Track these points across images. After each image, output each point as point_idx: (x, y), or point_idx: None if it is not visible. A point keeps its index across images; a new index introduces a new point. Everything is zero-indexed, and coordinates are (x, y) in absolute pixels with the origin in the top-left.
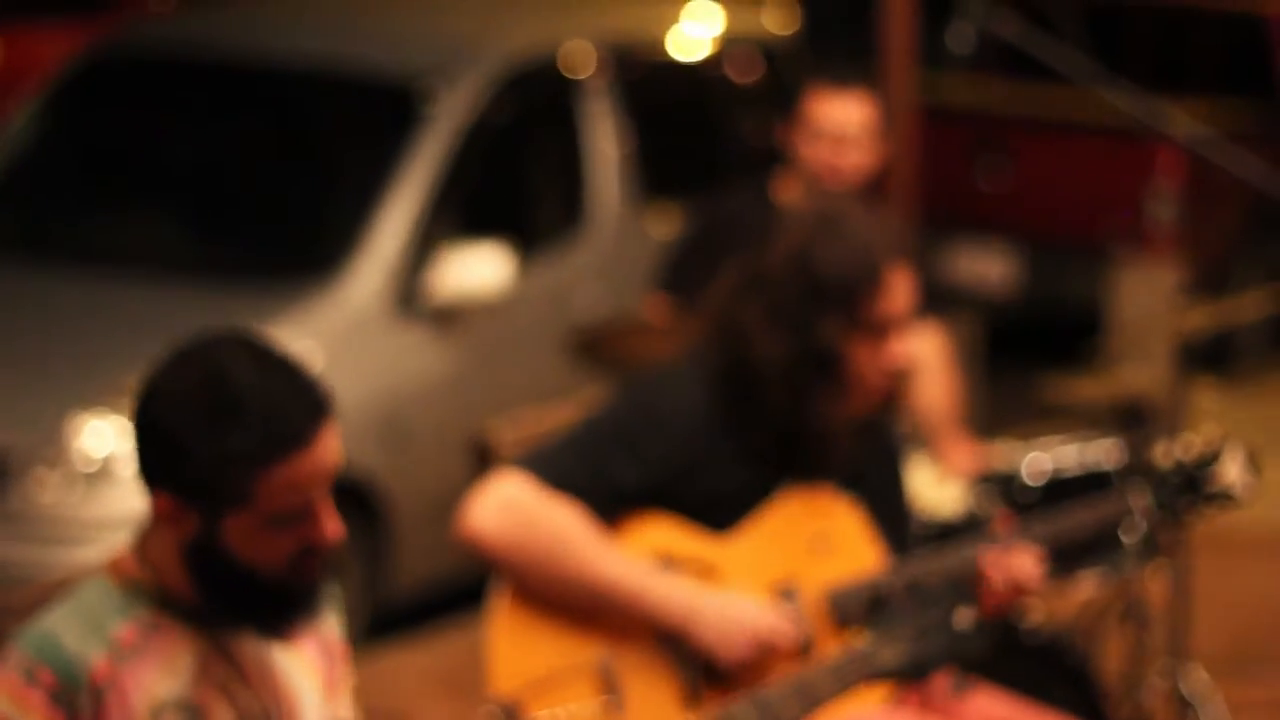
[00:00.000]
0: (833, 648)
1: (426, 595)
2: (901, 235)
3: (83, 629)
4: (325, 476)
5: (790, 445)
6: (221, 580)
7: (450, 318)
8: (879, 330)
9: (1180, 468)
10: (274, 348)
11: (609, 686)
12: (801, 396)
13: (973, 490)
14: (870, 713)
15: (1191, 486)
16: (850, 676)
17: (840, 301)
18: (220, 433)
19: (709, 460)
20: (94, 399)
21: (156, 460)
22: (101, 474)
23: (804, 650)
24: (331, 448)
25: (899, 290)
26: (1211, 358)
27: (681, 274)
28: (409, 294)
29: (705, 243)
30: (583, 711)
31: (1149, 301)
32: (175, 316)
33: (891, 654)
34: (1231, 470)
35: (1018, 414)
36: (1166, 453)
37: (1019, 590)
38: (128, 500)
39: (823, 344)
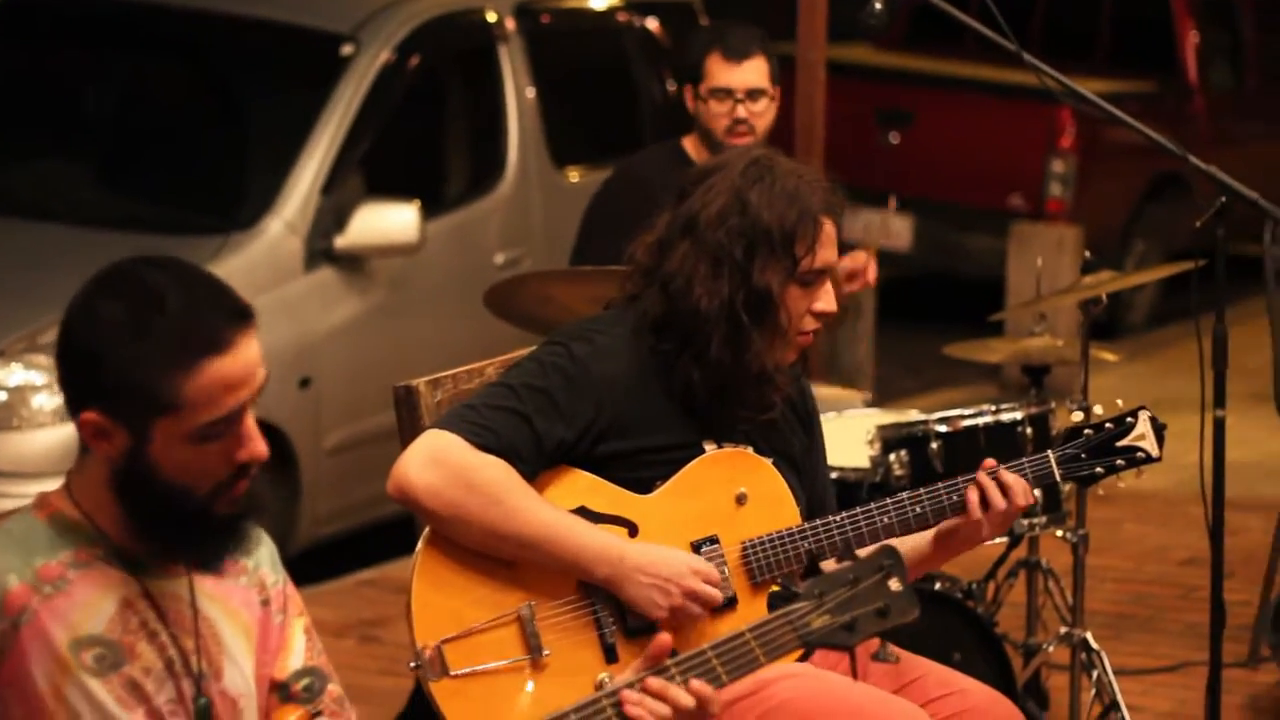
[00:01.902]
0: (754, 605)
1: (333, 539)
2: (832, 186)
3: (4, 560)
4: (249, 386)
5: (722, 395)
6: (150, 504)
7: (361, 266)
8: (813, 276)
9: (1096, 431)
10: (194, 264)
11: (530, 641)
12: (740, 341)
13: (879, 446)
14: (798, 670)
15: (1107, 449)
16: (778, 643)
17: (780, 247)
18: (141, 336)
19: (633, 416)
20: (7, 347)
21: (81, 378)
22: (11, 422)
23: (727, 605)
24: (253, 356)
25: (832, 238)
26: (1104, 325)
27: (598, 243)
28: (320, 243)
29: (619, 209)
30: (503, 666)
31: (1048, 267)
32: (86, 263)
33: (822, 620)
34: (1146, 434)
35: (918, 376)
36: (1080, 416)
37: (1015, 511)
38: (38, 448)
39: (762, 288)
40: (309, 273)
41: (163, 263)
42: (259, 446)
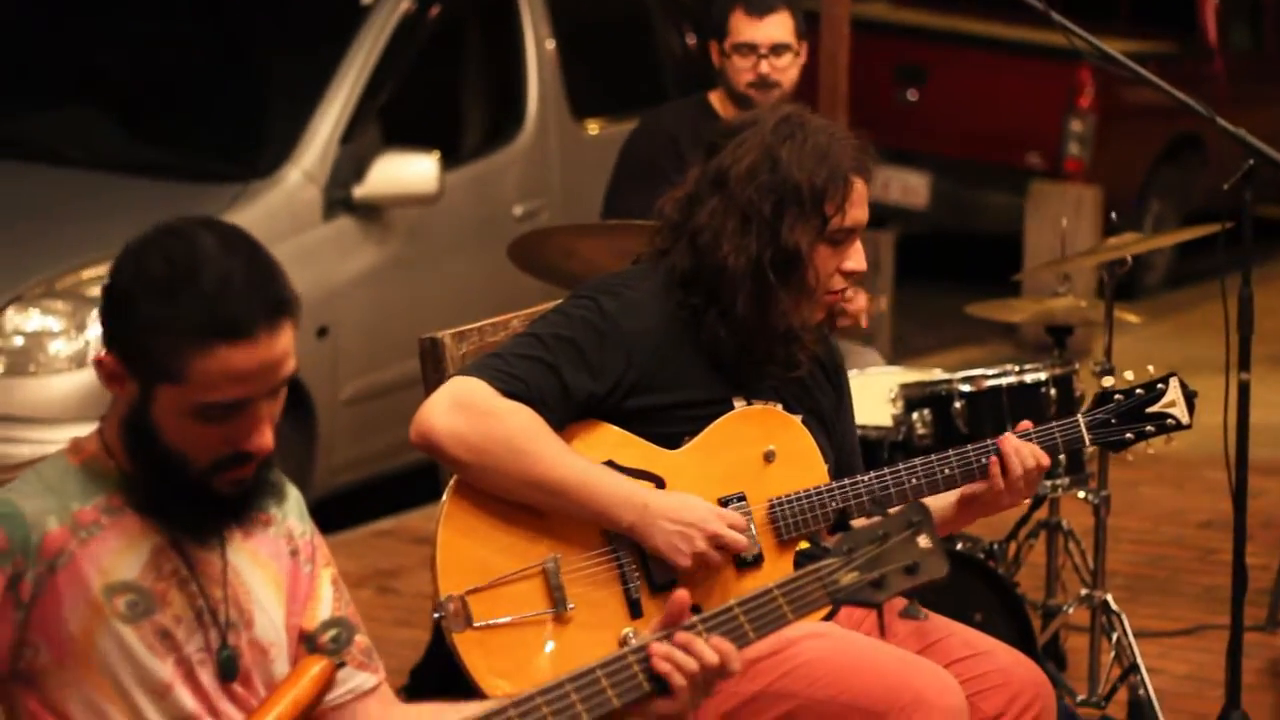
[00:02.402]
0: (780, 562)
1: (349, 488)
2: (863, 145)
3: (43, 499)
4: (266, 380)
5: (749, 352)
6: (149, 460)
7: (379, 216)
8: (843, 235)
9: (1126, 396)
10: (256, 243)
11: (555, 594)
12: (768, 298)
13: (902, 405)
14: (822, 629)
15: (1137, 415)
16: (806, 599)
17: (810, 204)
18: (168, 299)
19: (662, 371)
20: (25, 293)
21: (110, 317)
22: (28, 367)
23: (753, 563)
24: (280, 352)
25: (863, 197)
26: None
27: (625, 197)
28: (338, 192)
29: (646, 163)
30: (527, 619)
31: (1067, 228)
32: (106, 213)
33: (850, 577)
34: (1176, 401)
35: (935, 333)
36: (1111, 380)
37: (1036, 477)
38: (54, 394)
39: (790, 246)
40: (327, 222)
41: (226, 233)
42: (262, 440)
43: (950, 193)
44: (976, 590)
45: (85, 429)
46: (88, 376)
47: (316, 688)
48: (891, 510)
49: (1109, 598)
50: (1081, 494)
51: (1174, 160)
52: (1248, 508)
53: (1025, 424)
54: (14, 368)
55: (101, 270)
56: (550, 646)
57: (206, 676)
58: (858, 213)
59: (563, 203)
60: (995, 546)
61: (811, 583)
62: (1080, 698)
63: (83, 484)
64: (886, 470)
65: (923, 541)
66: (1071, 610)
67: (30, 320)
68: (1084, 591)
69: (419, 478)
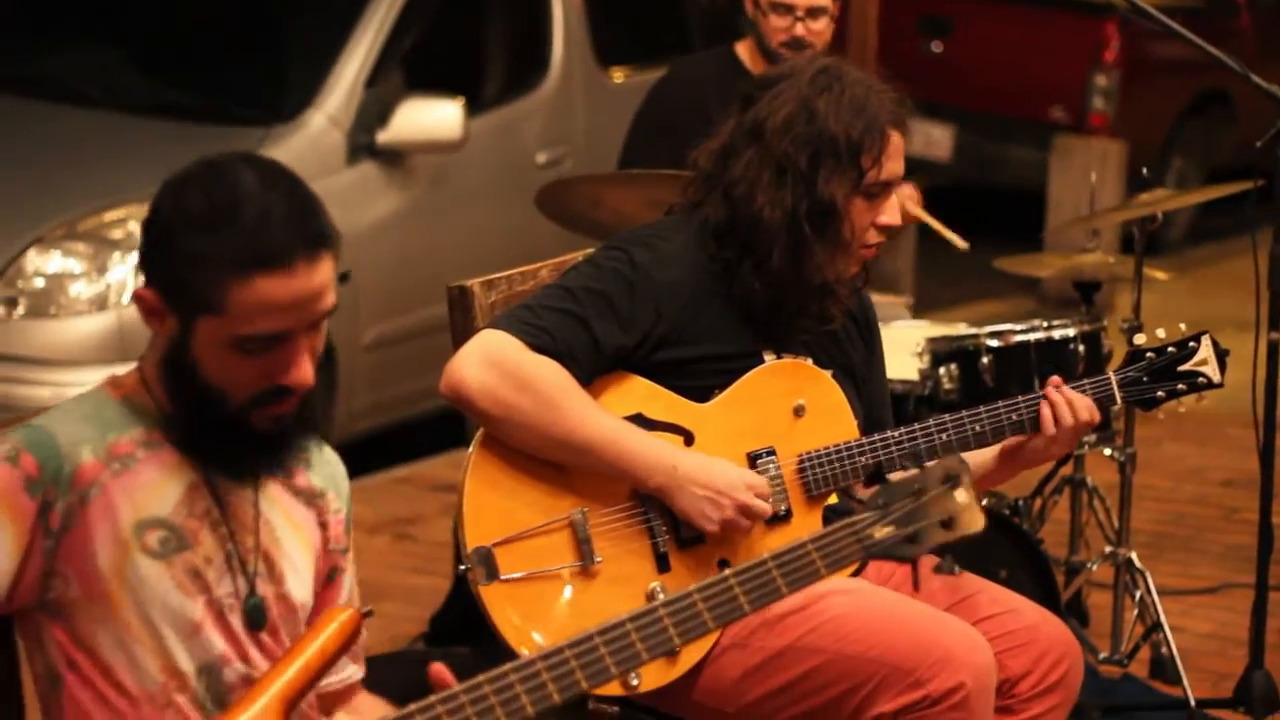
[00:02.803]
0: (809, 518)
1: (368, 434)
2: (899, 98)
3: (78, 429)
4: (306, 313)
5: (782, 305)
6: (188, 395)
7: (402, 162)
8: (878, 189)
9: (1158, 354)
10: (296, 177)
11: (582, 548)
12: (802, 251)
13: (928, 359)
14: (851, 585)
15: (1169, 373)
16: (840, 553)
17: (846, 157)
18: (208, 231)
19: (693, 324)
20: (46, 234)
21: (149, 250)
22: (49, 309)
23: (782, 518)
24: (319, 284)
25: (899, 150)
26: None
27: (647, 147)
28: (362, 137)
29: (671, 114)
30: (554, 572)
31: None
32: (129, 156)
33: (885, 531)
34: (1208, 359)
35: (955, 287)
36: (1143, 338)
37: (1082, 429)
38: (75, 336)
39: (826, 199)
40: (350, 167)
41: (263, 166)
42: (303, 374)
43: (974, 146)
44: (1001, 547)
45: (105, 371)
46: (109, 319)
47: (343, 636)
48: (928, 464)
49: (1133, 555)
50: (1108, 451)
51: (1198, 116)
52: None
53: (1056, 379)
54: (35, 309)
55: (123, 213)
56: (577, 599)
57: (236, 621)
58: (894, 166)
59: (586, 151)
60: (1020, 503)
61: (846, 536)
62: (1102, 655)
63: (121, 417)
64: (917, 426)
65: (960, 496)
66: (1095, 568)
67: (51, 262)
68: (1108, 549)
69: (438, 424)
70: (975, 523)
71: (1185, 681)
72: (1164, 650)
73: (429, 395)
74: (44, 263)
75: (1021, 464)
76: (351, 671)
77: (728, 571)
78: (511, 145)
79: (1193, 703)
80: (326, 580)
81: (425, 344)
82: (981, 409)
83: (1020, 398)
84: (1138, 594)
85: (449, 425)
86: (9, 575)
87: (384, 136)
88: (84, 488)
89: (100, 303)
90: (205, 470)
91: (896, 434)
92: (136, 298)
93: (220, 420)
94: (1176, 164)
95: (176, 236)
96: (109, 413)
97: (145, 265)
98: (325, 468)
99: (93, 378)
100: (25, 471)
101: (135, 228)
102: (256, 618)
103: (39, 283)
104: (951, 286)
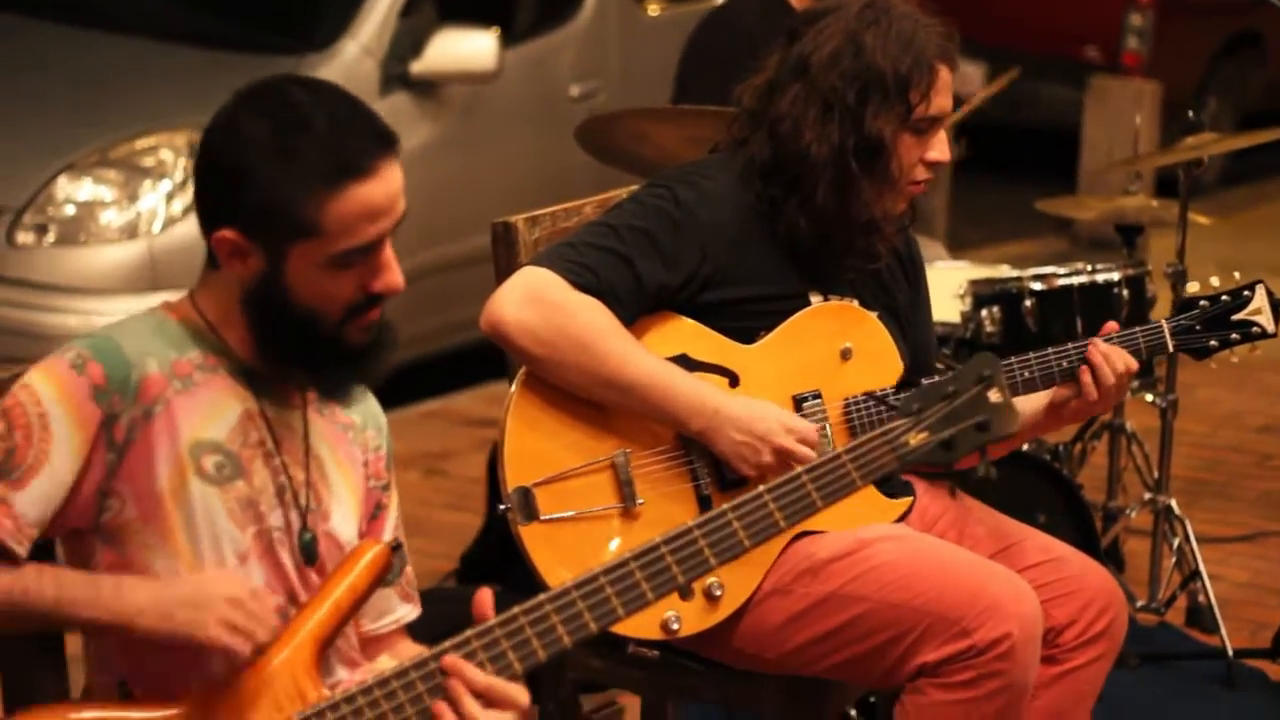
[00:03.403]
0: None
1: (398, 368)
2: (948, 31)
3: (143, 343)
4: (392, 215)
5: (828, 244)
6: (280, 326)
7: (435, 93)
8: (926, 125)
9: (1212, 303)
10: (338, 86)
11: (624, 490)
12: (849, 188)
13: (970, 301)
14: (898, 532)
15: (1222, 322)
16: (874, 463)
17: (894, 92)
18: (285, 155)
19: (738, 264)
20: (78, 161)
21: (220, 195)
22: (79, 237)
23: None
24: (398, 183)
25: (948, 84)
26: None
27: (695, 86)
28: (396, 67)
29: (717, 52)
30: (595, 513)
31: (1125, 123)
32: (162, 83)
33: (920, 438)
34: (1262, 308)
35: (984, 226)
36: (1197, 285)
37: (1125, 383)
38: (104, 264)
39: (874, 135)
40: (383, 97)
41: (309, 83)
42: (395, 277)
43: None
44: (1042, 492)
45: (135, 301)
46: (139, 247)
47: (373, 572)
48: (960, 367)
49: (1173, 502)
50: (1149, 397)
51: (1232, 57)
52: None
53: (1111, 325)
54: (65, 237)
55: (155, 140)
56: (617, 541)
57: (285, 556)
58: (942, 101)
59: (620, 84)
60: (1060, 448)
61: (880, 445)
62: (1140, 603)
63: (181, 337)
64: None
65: (993, 396)
66: (1134, 514)
67: (82, 189)
68: (1147, 496)
69: (470, 358)
70: (1011, 424)
71: (1223, 630)
72: (1201, 598)
73: (460, 328)
74: (75, 190)
75: (1069, 416)
76: (404, 612)
77: (761, 488)
78: (544, 78)
79: (1230, 652)
80: (370, 519)
81: (458, 277)
82: (1031, 355)
83: (1070, 345)
84: (1176, 542)
85: (481, 359)
86: (67, 486)
87: (418, 67)
88: (149, 403)
89: (130, 231)
90: (259, 401)
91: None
92: (217, 241)
93: (315, 343)
94: (1210, 105)
95: (251, 168)
96: (170, 331)
97: (217, 209)
98: (363, 404)
99: (122, 307)
100: (92, 379)
101: (167, 156)
102: (310, 553)
103: (69, 210)
104: (982, 225)
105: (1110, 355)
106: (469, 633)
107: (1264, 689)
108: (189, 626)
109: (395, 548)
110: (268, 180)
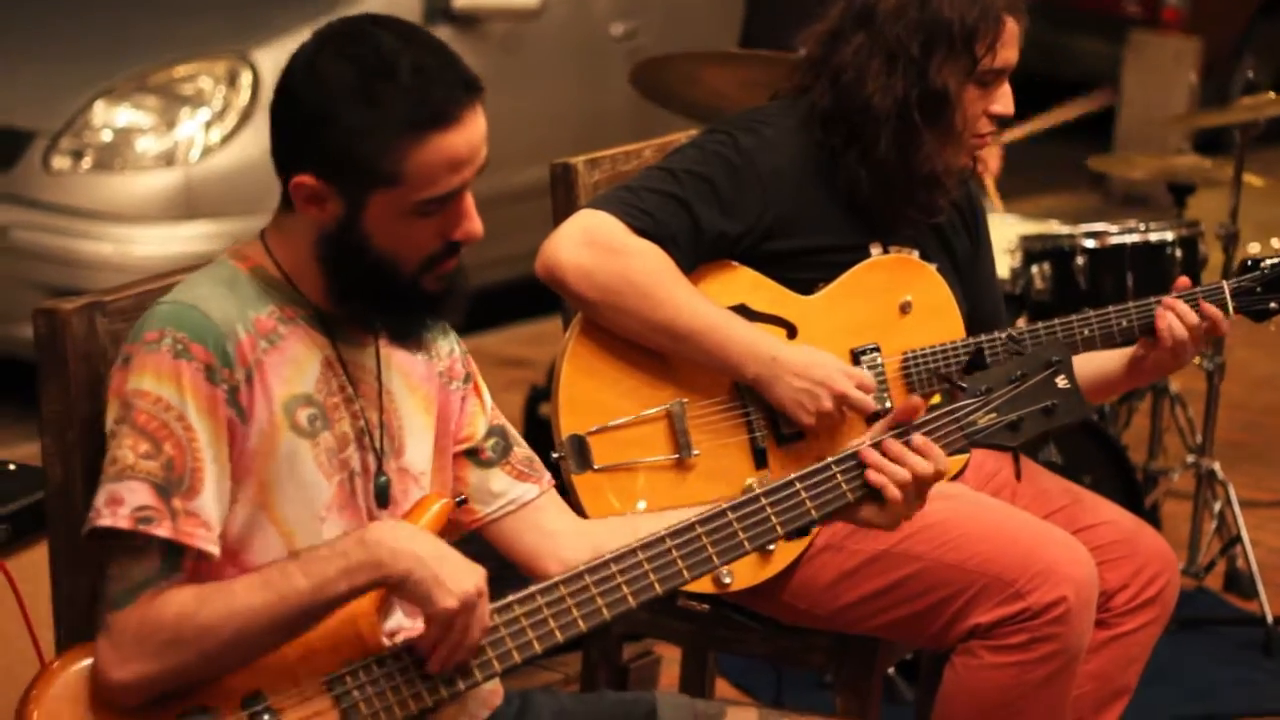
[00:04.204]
0: None
1: None
2: None
3: (226, 306)
4: (473, 164)
5: (888, 195)
6: (357, 274)
7: (477, 28)
8: (992, 77)
9: (1274, 266)
10: (424, 30)
11: (680, 440)
12: (911, 140)
13: (1020, 257)
14: (953, 491)
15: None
16: (943, 440)
17: (960, 44)
18: (369, 101)
19: (798, 214)
20: (116, 86)
21: (300, 140)
22: (115, 163)
23: (885, 416)
24: (482, 131)
25: (1014, 36)
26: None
27: (764, 25)
28: (440, 0)
29: None
30: (650, 463)
31: (1164, 80)
32: (203, 11)
33: (988, 418)
34: None
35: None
36: (1259, 246)
37: (1198, 339)
38: (140, 191)
39: (938, 87)
40: (424, 26)
41: (392, 25)
42: (475, 225)
43: (1042, 36)
44: (1088, 453)
45: (170, 229)
46: (175, 175)
47: (437, 525)
48: (1029, 350)
49: (1216, 466)
50: (1197, 359)
51: (1269, 17)
52: None
53: (1184, 280)
54: (101, 163)
55: (194, 68)
56: (671, 492)
57: (362, 499)
58: (1008, 53)
59: (662, 22)
60: (1107, 409)
61: (948, 423)
62: (1180, 567)
63: (257, 292)
64: (1026, 329)
65: (1061, 382)
66: (1177, 477)
67: (120, 115)
68: (1190, 459)
69: (506, 296)
70: (1078, 410)
71: (1263, 596)
72: (1240, 563)
73: (496, 264)
74: (112, 115)
75: (1147, 372)
76: (522, 491)
77: (830, 459)
78: (586, 15)
79: (1270, 619)
80: (459, 417)
81: (495, 214)
82: (1091, 313)
83: (1132, 304)
84: (1217, 506)
85: (517, 297)
86: (228, 472)
87: (462, 1)
88: (246, 367)
89: (168, 158)
90: (336, 346)
91: (1003, 335)
92: (295, 186)
93: (393, 290)
94: (1247, 64)
95: (335, 113)
96: (244, 288)
97: (296, 153)
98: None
99: (157, 235)
100: (201, 361)
101: (206, 84)
102: (383, 496)
103: (106, 135)
104: (1012, 178)
105: (1187, 315)
106: (533, 588)
107: None
108: (434, 591)
109: (460, 501)
110: (350, 127)
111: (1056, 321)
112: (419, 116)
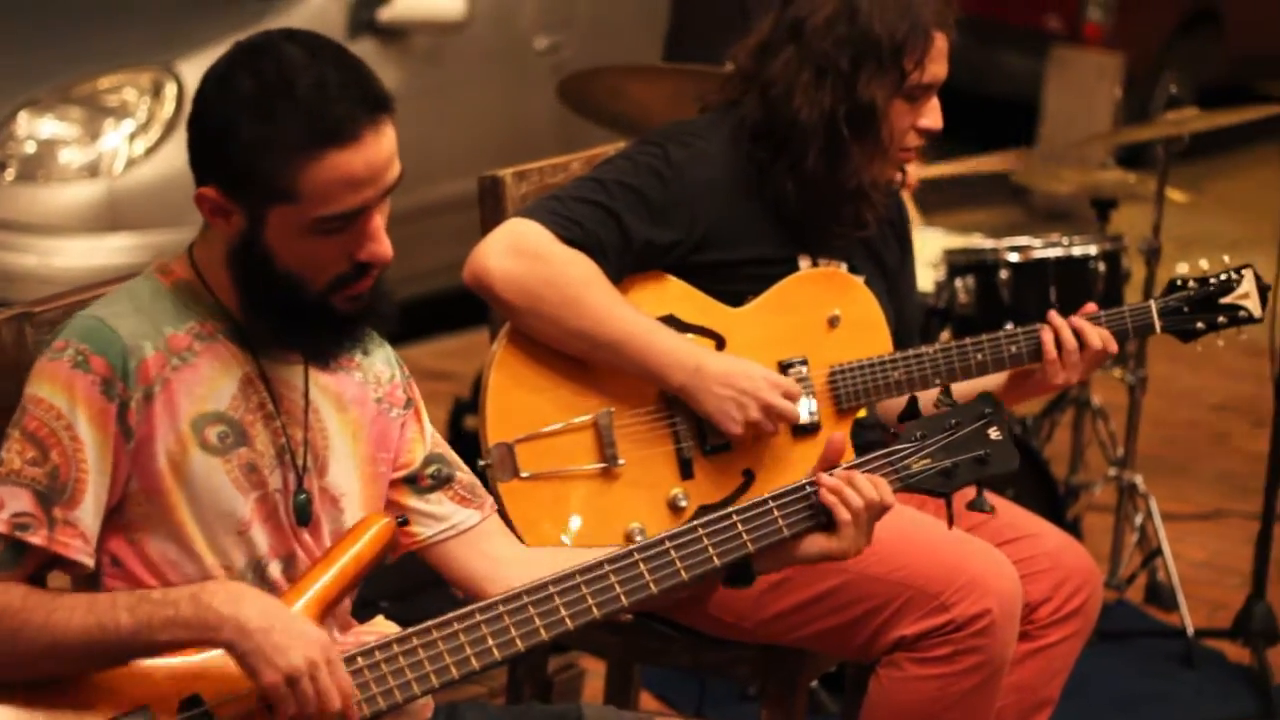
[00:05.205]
0: (838, 429)
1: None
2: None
3: (136, 320)
4: (378, 184)
5: (817, 209)
6: (263, 287)
7: (402, 40)
8: (920, 92)
9: (1200, 285)
10: (339, 45)
11: (606, 450)
12: (839, 154)
13: (945, 270)
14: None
15: (1210, 305)
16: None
17: (889, 59)
18: (267, 114)
19: (729, 226)
20: (40, 97)
21: (204, 148)
22: (38, 174)
23: (810, 430)
24: (387, 151)
25: (943, 52)
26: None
27: (689, 46)
28: (364, 13)
29: (707, 12)
30: (576, 472)
31: (1085, 93)
32: (128, 22)
33: (922, 464)
34: (1250, 293)
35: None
36: (1187, 267)
37: (1091, 359)
38: (63, 203)
39: (866, 101)
40: (351, 42)
41: (305, 40)
42: (381, 247)
43: (964, 51)
44: None
45: (93, 241)
46: (99, 187)
47: (378, 545)
48: (927, 396)
49: (1138, 479)
50: (1118, 373)
51: (1188, 33)
52: (1261, 393)
53: (1090, 306)
54: (25, 174)
55: (119, 79)
56: (596, 501)
57: (284, 516)
58: (937, 68)
59: (587, 37)
60: (1028, 422)
61: (883, 466)
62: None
63: (175, 308)
64: (953, 344)
65: (993, 433)
66: (1099, 490)
67: (44, 126)
68: (1112, 471)
69: (424, 310)
70: (1010, 461)
71: (1184, 609)
72: (1160, 576)
73: (415, 280)
74: (36, 126)
75: (1029, 391)
76: (462, 518)
77: (767, 495)
78: (510, 29)
79: (1190, 631)
80: (398, 441)
81: (416, 228)
82: (984, 337)
83: (1020, 329)
84: (1138, 519)
85: (435, 311)
86: (108, 486)
87: (386, 14)
88: (148, 384)
89: (92, 170)
90: (259, 362)
91: (930, 350)
92: (198, 198)
93: (300, 308)
94: (1166, 81)
95: (234, 127)
96: (162, 304)
97: (202, 164)
98: (370, 342)
99: (81, 246)
100: (98, 374)
101: (131, 95)
102: (304, 514)
103: (30, 147)
104: (936, 190)
105: (1083, 328)
106: (472, 607)
107: (1223, 669)
108: (256, 664)
109: (401, 522)
110: (248, 141)
111: (984, 337)
112: (311, 133)
